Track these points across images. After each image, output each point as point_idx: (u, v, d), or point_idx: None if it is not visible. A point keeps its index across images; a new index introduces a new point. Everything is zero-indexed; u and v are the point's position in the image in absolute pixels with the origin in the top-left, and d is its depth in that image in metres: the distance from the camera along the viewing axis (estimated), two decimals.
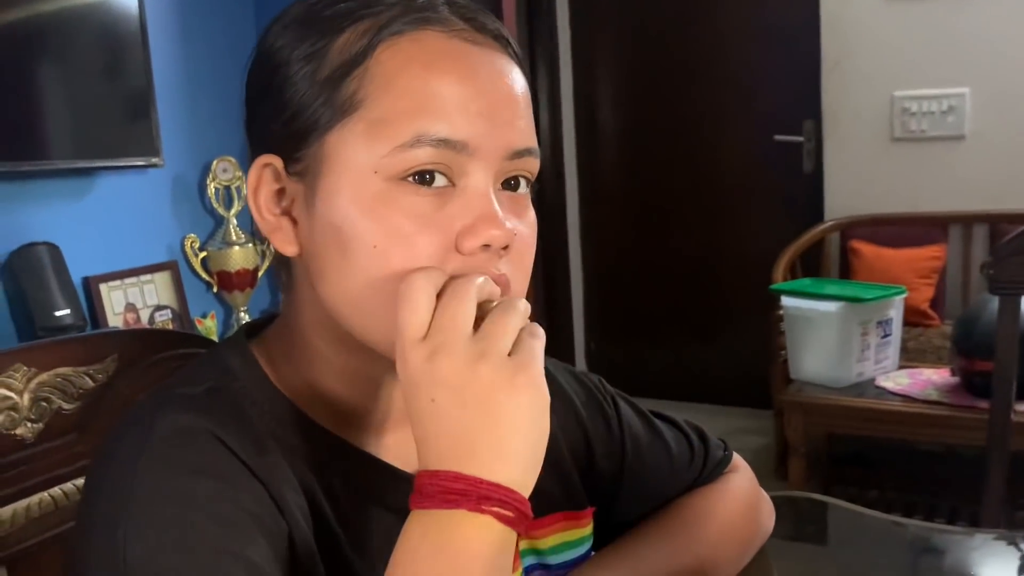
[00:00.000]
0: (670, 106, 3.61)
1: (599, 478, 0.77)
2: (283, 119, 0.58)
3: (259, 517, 0.54)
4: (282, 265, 0.64)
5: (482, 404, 0.50)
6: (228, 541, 0.52)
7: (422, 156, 0.55)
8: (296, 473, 0.59)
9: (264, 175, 0.60)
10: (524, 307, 0.53)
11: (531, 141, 0.60)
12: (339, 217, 0.56)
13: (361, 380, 0.63)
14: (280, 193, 0.60)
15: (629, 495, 0.78)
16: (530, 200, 0.62)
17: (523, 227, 0.60)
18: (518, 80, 0.60)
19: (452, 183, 0.57)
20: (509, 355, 0.51)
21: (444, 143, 0.55)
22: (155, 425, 0.55)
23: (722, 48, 3.47)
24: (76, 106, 2.33)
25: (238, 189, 2.79)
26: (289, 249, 0.60)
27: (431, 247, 0.56)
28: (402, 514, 0.60)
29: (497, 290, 0.54)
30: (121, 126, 2.45)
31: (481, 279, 0.53)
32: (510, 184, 0.60)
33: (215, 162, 2.75)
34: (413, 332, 0.51)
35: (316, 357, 0.62)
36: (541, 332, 0.53)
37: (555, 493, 0.73)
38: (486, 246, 0.56)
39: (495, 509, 0.49)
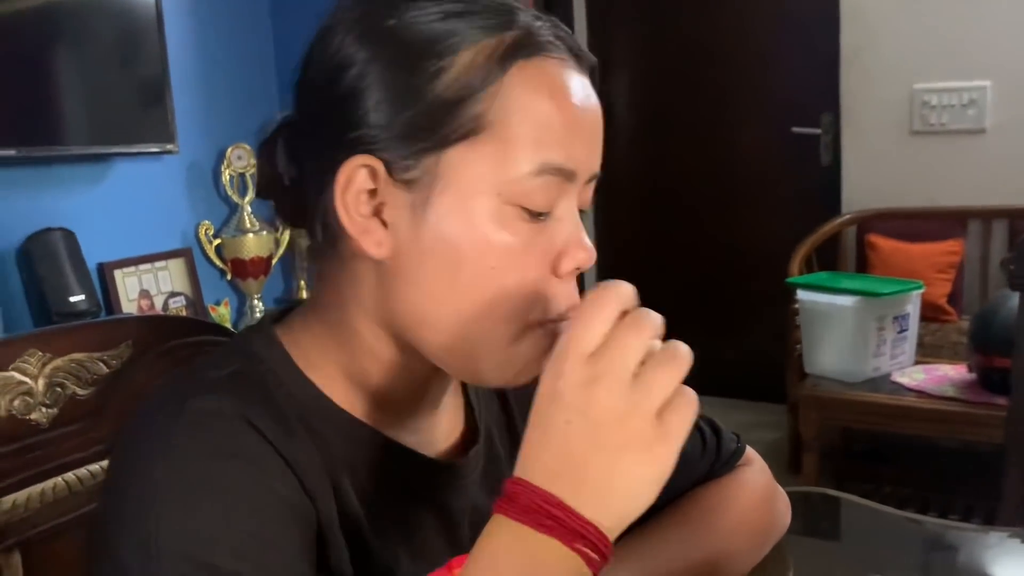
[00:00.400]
0: (686, 97, 3.59)
1: None
2: (385, 127, 0.57)
3: (289, 501, 0.55)
4: (327, 257, 0.63)
5: (614, 452, 0.49)
6: (259, 527, 0.52)
7: (541, 184, 0.57)
8: (322, 457, 0.59)
9: (358, 175, 0.58)
10: (687, 359, 0.51)
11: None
12: (456, 234, 0.57)
13: (402, 372, 0.63)
14: (371, 194, 0.59)
15: None
16: None
17: None
18: (598, 104, 0.62)
19: (552, 209, 0.59)
20: (659, 413, 0.50)
21: (559, 171, 0.58)
22: (184, 408, 0.55)
23: (739, 39, 3.45)
24: (92, 92, 2.34)
25: (252, 176, 2.79)
26: (378, 252, 0.59)
27: (538, 269, 0.58)
28: (424, 500, 0.62)
29: (662, 332, 0.53)
30: (136, 112, 2.45)
31: (660, 317, 0.53)
32: (580, 205, 0.62)
33: (230, 149, 2.75)
34: (582, 348, 0.50)
35: (360, 348, 0.62)
36: (695, 398, 0.52)
37: None
38: (576, 268, 0.60)
39: (585, 550, 0.49)
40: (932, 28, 2.99)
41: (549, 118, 0.57)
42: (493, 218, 0.57)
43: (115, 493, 0.55)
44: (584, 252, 0.59)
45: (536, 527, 0.48)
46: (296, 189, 0.64)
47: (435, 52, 0.57)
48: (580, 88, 0.59)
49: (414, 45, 0.57)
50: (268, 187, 0.66)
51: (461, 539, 0.66)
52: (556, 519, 0.48)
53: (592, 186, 0.62)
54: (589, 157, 0.60)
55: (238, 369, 0.60)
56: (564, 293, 0.59)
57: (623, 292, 0.53)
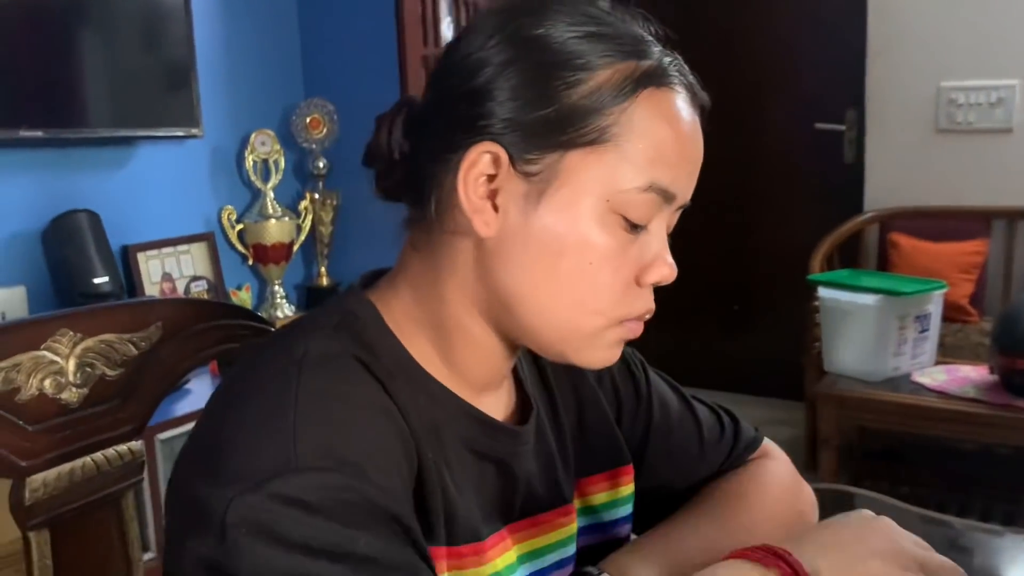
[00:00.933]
0: (708, 90, 3.55)
1: (626, 436, 0.81)
2: (516, 120, 0.63)
3: (403, 437, 0.61)
4: (425, 231, 0.67)
5: None
6: (382, 443, 0.58)
7: (645, 199, 0.63)
8: (415, 409, 0.64)
9: (482, 159, 0.64)
10: None
11: None
12: (564, 228, 0.63)
13: (484, 347, 0.69)
14: (489, 178, 0.64)
15: (657, 458, 0.82)
16: None
17: None
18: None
19: (648, 223, 0.65)
20: None
21: (663, 192, 0.64)
22: (306, 351, 0.60)
23: (764, 33, 3.42)
24: (117, 75, 2.35)
25: (275, 162, 2.80)
26: (486, 231, 0.64)
27: (625, 276, 0.65)
28: (493, 463, 0.70)
29: None
30: (162, 96, 2.47)
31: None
32: (668, 227, 0.68)
33: (254, 135, 2.76)
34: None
35: (448, 319, 0.68)
36: None
37: (601, 451, 0.79)
38: (658, 281, 0.66)
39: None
40: (961, 25, 2.96)
41: (664, 143, 0.63)
42: (598, 220, 0.63)
43: (242, 407, 0.58)
44: (668, 269, 0.66)
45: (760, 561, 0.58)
46: (403, 163, 0.68)
47: (575, 65, 0.63)
48: (693, 123, 0.66)
49: (557, 55, 0.63)
50: (375, 157, 0.70)
51: (515, 503, 0.71)
52: (778, 556, 0.57)
53: (679, 213, 0.68)
54: (688, 185, 0.66)
55: (341, 322, 0.65)
56: (642, 299, 0.66)
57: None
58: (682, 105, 0.65)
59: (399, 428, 0.61)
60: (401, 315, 0.68)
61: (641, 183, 0.63)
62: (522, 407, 0.75)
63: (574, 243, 0.63)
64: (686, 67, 0.68)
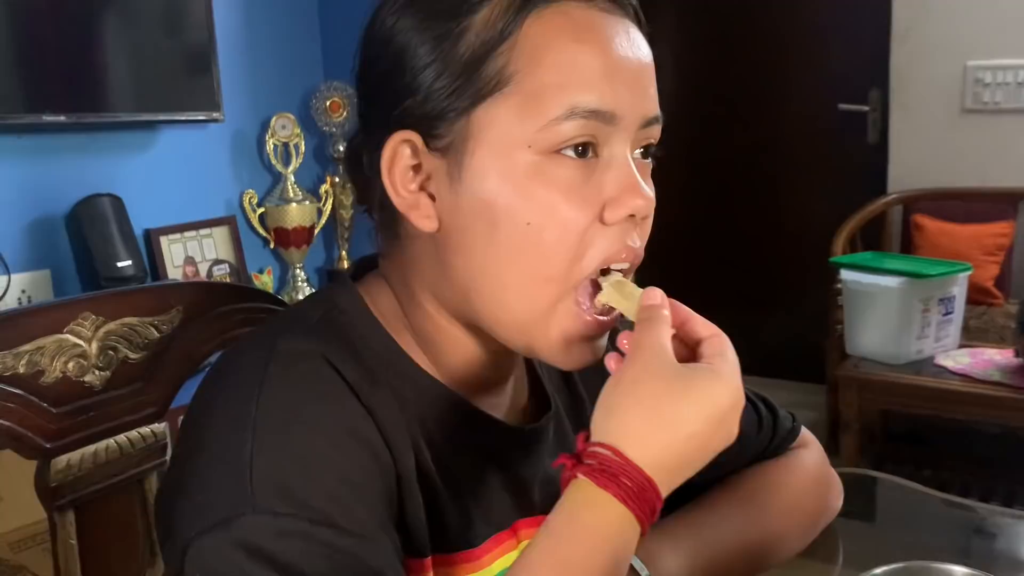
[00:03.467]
0: (731, 71, 3.53)
1: None
2: (420, 98, 0.58)
3: (371, 446, 0.56)
4: (389, 235, 0.64)
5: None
6: (347, 470, 0.54)
7: (575, 128, 0.56)
8: (400, 410, 0.60)
9: (400, 151, 0.60)
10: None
11: (658, 108, 0.61)
12: (491, 193, 0.57)
13: (468, 349, 0.64)
14: (415, 169, 0.60)
15: None
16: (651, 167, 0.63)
17: (652, 193, 0.61)
18: (647, 47, 0.61)
19: (596, 154, 0.58)
20: None
21: (594, 114, 0.56)
22: (275, 348, 0.57)
23: (788, 11, 3.38)
24: (139, 60, 2.36)
25: (296, 146, 2.81)
26: (427, 225, 0.60)
27: (581, 221, 0.57)
28: (494, 462, 0.64)
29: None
30: (183, 80, 2.47)
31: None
32: (640, 152, 0.61)
33: (274, 118, 2.77)
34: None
35: (430, 324, 0.64)
36: None
37: None
38: (630, 216, 0.58)
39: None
40: (987, 4, 2.91)
41: (575, 61, 0.56)
42: (528, 172, 0.56)
43: (205, 424, 0.56)
44: (639, 198, 0.58)
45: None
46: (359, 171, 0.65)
47: (456, 14, 0.57)
48: (614, 30, 0.58)
49: (440, 10, 0.58)
50: (350, 169, 0.67)
51: (531, 504, 0.68)
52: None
53: (653, 131, 0.61)
54: (634, 99, 0.58)
55: (324, 316, 0.61)
56: (609, 240, 0.58)
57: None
58: (588, 14, 0.58)
59: (369, 446, 0.56)
60: (387, 310, 0.64)
61: (558, 113, 0.56)
62: (539, 406, 0.72)
63: (504, 206, 0.57)
64: None
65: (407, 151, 0.59)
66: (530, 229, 0.57)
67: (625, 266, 0.60)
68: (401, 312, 0.64)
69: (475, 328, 0.63)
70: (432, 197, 0.60)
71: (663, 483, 0.52)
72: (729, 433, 0.55)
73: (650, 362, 0.53)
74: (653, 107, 0.60)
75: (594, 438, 0.53)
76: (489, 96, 0.56)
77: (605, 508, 0.51)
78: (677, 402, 0.52)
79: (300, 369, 0.56)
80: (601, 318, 0.60)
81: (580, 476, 0.52)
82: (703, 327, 0.58)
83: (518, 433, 0.68)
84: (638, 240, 0.60)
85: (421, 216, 0.60)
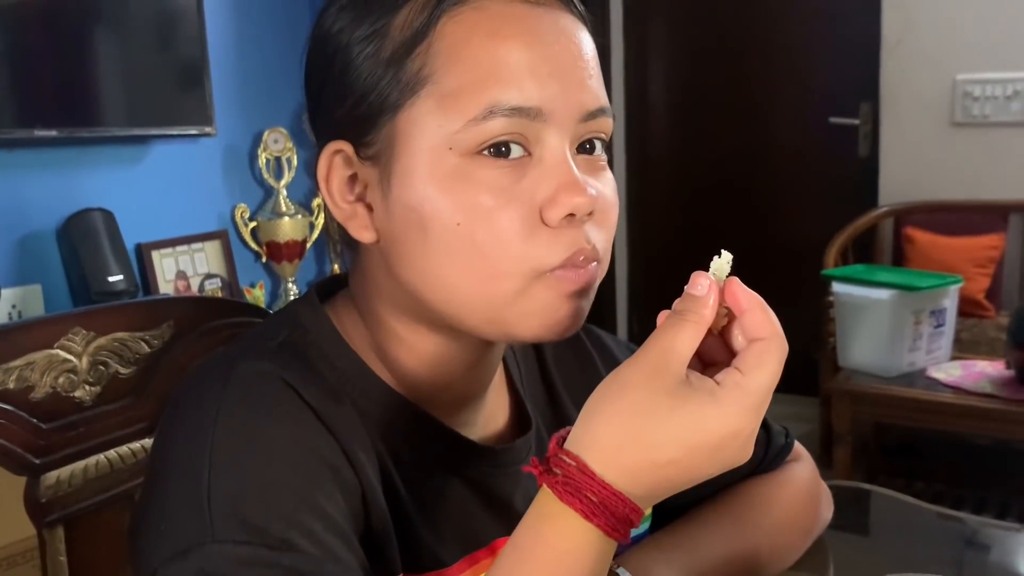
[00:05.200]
0: (722, 84, 3.55)
1: None
2: (349, 104, 0.57)
3: (332, 465, 0.55)
4: (350, 248, 0.64)
5: None
6: (306, 492, 0.52)
7: (496, 127, 0.54)
8: (365, 428, 0.59)
9: (335, 162, 0.59)
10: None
11: (603, 100, 0.58)
12: (417, 198, 0.55)
13: (442, 363, 0.62)
14: (352, 179, 0.59)
15: None
16: (606, 161, 0.60)
17: (604, 188, 0.58)
18: (584, 39, 0.58)
19: (528, 152, 0.56)
20: None
21: (517, 111, 0.54)
22: (232, 372, 0.56)
23: (777, 25, 3.40)
24: (131, 74, 2.36)
25: (288, 160, 2.81)
26: (366, 236, 0.59)
27: (515, 221, 0.55)
28: (466, 481, 0.62)
29: None
30: (175, 95, 2.47)
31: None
32: (585, 147, 0.58)
33: (266, 133, 2.77)
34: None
35: (394, 340, 0.62)
36: None
37: None
38: (571, 215, 0.55)
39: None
40: (976, 18, 2.93)
41: (493, 57, 0.54)
42: (452, 175, 0.55)
43: (166, 451, 0.55)
44: (578, 195, 0.54)
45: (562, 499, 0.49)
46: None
47: (381, 15, 0.56)
48: (538, 21, 0.56)
49: (368, 12, 0.57)
50: (316, 178, 0.66)
51: (511, 523, 0.65)
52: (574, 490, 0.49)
53: (599, 124, 0.58)
54: (568, 93, 0.56)
55: (286, 338, 0.60)
56: (557, 247, 0.55)
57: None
58: (506, 9, 0.55)
59: (330, 466, 0.55)
60: (352, 327, 0.63)
61: (476, 112, 0.54)
62: (519, 425, 0.71)
63: (431, 210, 0.55)
64: None
65: (340, 161, 0.59)
66: (460, 229, 0.55)
67: (591, 266, 0.57)
68: (365, 327, 0.63)
69: (445, 329, 0.60)
70: (370, 207, 0.59)
71: (640, 498, 0.49)
72: (724, 461, 0.50)
73: (647, 368, 0.49)
74: (593, 99, 0.57)
75: (567, 444, 0.50)
76: (409, 99, 0.55)
77: (570, 523, 0.49)
78: (658, 423, 0.48)
79: (257, 391, 0.55)
80: (571, 274, 0.56)
81: (545, 487, 0.50)
82: (758, 326, 0.52)
83: (488, 451, 0.66)
84: (597, 236, 0.57)
85: (359, 227, 0.59)
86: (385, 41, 0.56)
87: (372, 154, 0.57)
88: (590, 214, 0.56)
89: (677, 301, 0.52)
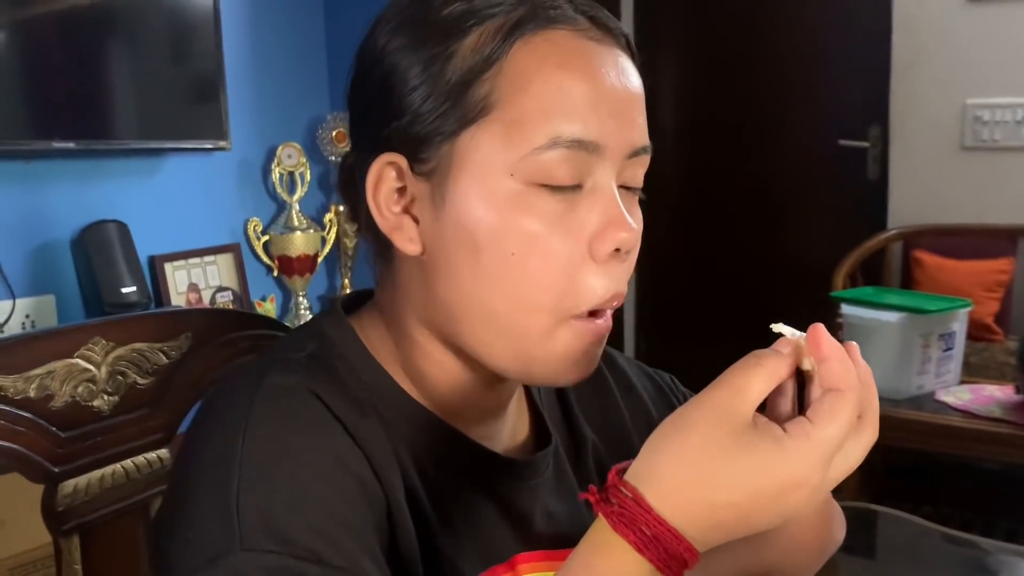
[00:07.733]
0: (731, 105, 3.56)
1: None
2: (405, 121, 0.58)
3: (359, 479, 0.56)
4: (382, 259, 0.64)
5: None
6: (334, 503, 0.53)
7: (558, 158, 0.55)
8: (390, 441, 0.60)
9: (386, 173, 0.60)
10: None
11: (647, 139, 0.61)
12: (472, 219, 0.57)
13: (468, 378, 0.64)
14: (400, 191, 0.60)
15: None
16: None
17: (639, 225, 0.60)
18: (636, 77, 0.61)
19: (580, 184, 0.57)
20: None
21: (578, 144, 0.56)
22: (261, 384, 0.57)
23: (788, 48, 3.42)
24: (147, 88, 2.38)
25: (301, 175, 2.83)
26: (411, 248, 0.60)
27: (565, 254, 0.56)
28: (489, 494, 0.63)
29: None
30: (191, 109, 2.50)
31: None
32: (626, 183, 0.60)
33: (280, 147, 2.79)
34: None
35: (420, 354, 0.63)
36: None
37: None
38: (616, 250, 0.57)
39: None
40: (987, 42, 2.94)
41: (561, 89, 0.55)
42: (510, 201, 0.56)
43: (194, 461, 0.56)
44: (624, 231, 0.56)
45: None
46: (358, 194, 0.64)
47: (445, 37, 0.57)
48: (602, 59, 0.57)
49: (430, 33, 0.57)
50: (342, 187, 0.67)
51: (534, 538, 0.66)
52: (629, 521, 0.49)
53: (641, 162, 0.60)
54: (621, 129, 0.58)
55: (313, 351, 0.61)
56: (603, 282, 0.57)
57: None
58: (576, 42, 0.57)
59: (357, 478, 0.55)
60: (380, 345, 0.64)
61: (540, 142, 0.55)
62: (540, 441, 0.71)
63: (487, 234, 0.56)
64: (588, 1, 0.60)
65: (392, 173, 0.60)
66: (514, 259, 0.56)
67: (608, 316, 0.59)
68: (392, 341, 0.64)
69: (466, 356, 0.62)
70: (416, 220, 0.60)
71: (694, 539, 0.48)
72: (784, 512, 0.49)
73: (716, 407, 0.49)
74: (641, 137, 0.60)
75: (628, 475, 0.50)
76: (474, 122, 0.56)
77: (622, 555, 0.48)
78: (720, 464, 0.48)
79: (286, 403, 0.56)
80: (597, 321, 0.58)
81: (600, 516, 0.50)
82: (835, 377, 0.50)
83: (511, 464, 0.67)
84: (623, 281, 0.59)
85: (404, 239, 0.60)
86: (451, 63, 0.57)
87: (427, 170, 0.58)
88: (629, 251, 0.58)
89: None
